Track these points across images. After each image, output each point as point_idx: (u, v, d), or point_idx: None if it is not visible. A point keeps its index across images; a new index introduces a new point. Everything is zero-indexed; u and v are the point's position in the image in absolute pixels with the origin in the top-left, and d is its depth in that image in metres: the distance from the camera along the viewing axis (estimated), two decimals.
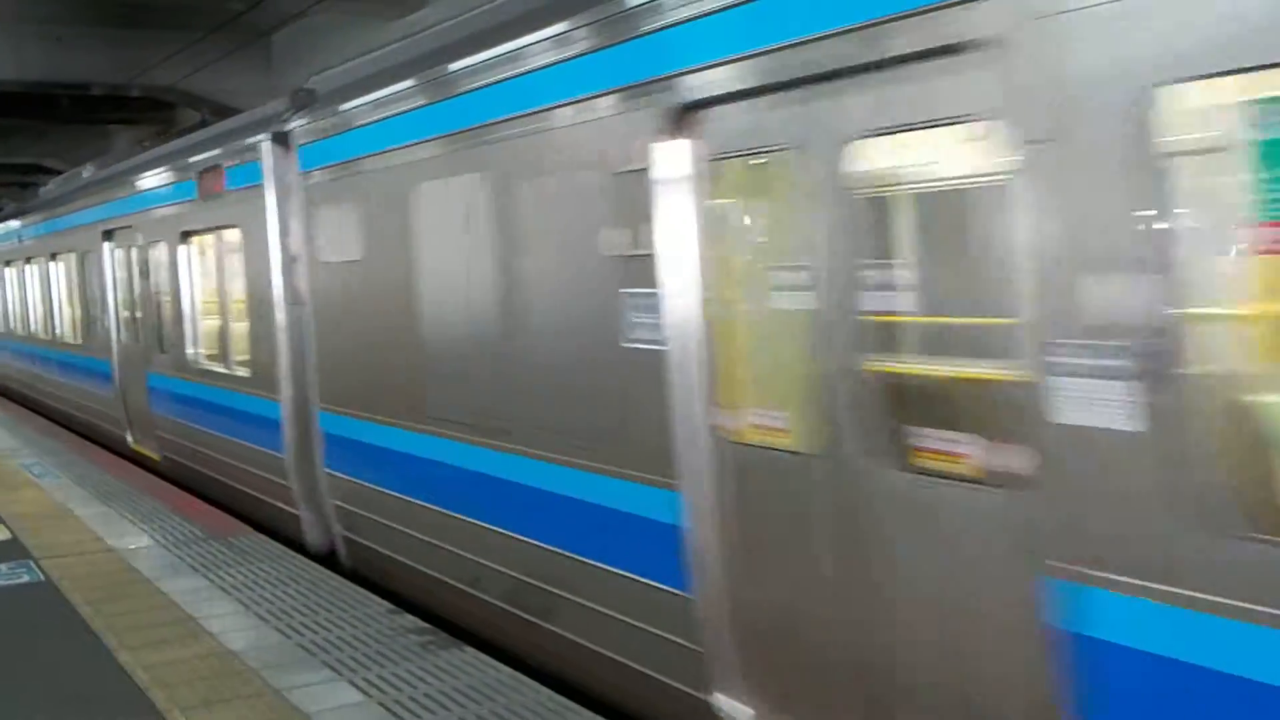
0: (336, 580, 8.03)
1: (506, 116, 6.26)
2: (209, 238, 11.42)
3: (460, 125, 6.73)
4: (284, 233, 9.22)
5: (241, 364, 10.56)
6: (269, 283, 9.42)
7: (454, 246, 6.86)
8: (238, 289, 10.59)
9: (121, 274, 14.31)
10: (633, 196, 5.25)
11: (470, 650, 6.47)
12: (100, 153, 21.84)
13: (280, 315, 9.35)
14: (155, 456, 13.28)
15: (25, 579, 8.28)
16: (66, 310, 17.66)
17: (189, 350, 11.95)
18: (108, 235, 14.62)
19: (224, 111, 19.72)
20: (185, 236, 11.84)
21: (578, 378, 5.84)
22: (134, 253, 13.61)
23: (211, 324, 11.68)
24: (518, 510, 6.51)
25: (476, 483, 6.88)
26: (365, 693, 5.86)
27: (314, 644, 6.64)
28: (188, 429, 12.04)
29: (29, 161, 34.22)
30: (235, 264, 10.65)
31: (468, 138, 6.66)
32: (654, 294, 5.21)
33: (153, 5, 20.29)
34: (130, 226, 13.61)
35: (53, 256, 18.02)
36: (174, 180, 11.99)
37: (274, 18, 19.58)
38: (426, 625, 6.97)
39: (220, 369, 11.13)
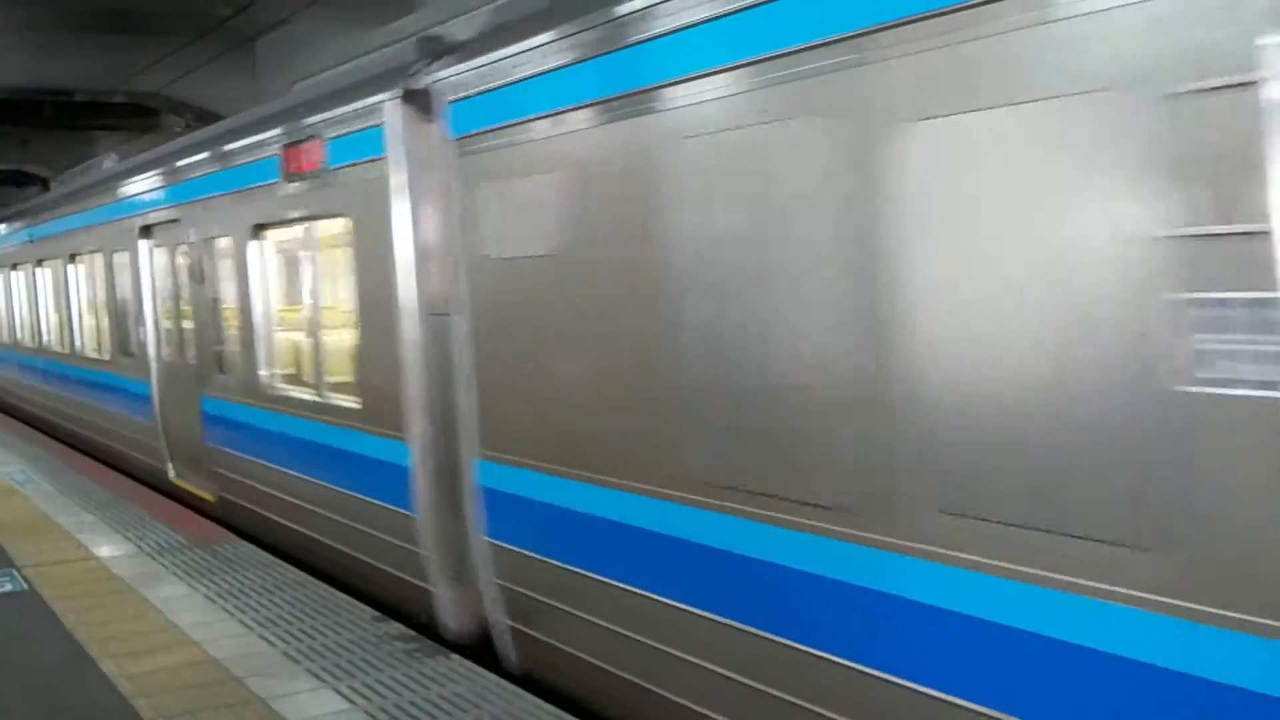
0: (321, 588, 8.01)
1: (912, 16, 3.86)
2: (295, 230, 8.93)
3: (782, 44, 4.40)
4: (418, 220, 6.97)
5: (343, 390, 8.27)
6: (392, 286, 7.15)
7: (754, 230, 4.58)
8: (339, 294, 8.46)
9: (164, 277, 11.95)
10: (1213, 132, 3.11)
11: (455, 658, 6.45)
12: (84, 159, 21.77)
13: (410, 329, 7.06)
14: (208, 496, 11.06)
15: (8, 588, 8.24)
16: (88, 320, 15.28)
17: (262, 371, 9.56)
18: (145, 232, 12.24)
19: (208, 118, 19.68)
20: (259, 230, 9.42)
21: (1053, 433, 3.55)
22: (182, 251, 11.25)
23: (296, 339, 9.37)
24: (868, 632, 4.25)
25: (769, 579, 4.66)
26: (350, 700, 5.85)
27: (299, 652, 6.62)
28: (259, 468, 9.70)
29: (11, 168, 34.13)
30: (336, 262, 8.46)
31: (800, 61, 4.32)
32: (1272, 301, 3.04)
33: (136, 11, 20.21)
34: (178, 220, 11.20)
35: (71, 258, 15.62)
36: (244, 160, 9.49)
37: (258, 24, 19.55)
38: (411, 632, 6.95)
39: (309, 396, 8.80)
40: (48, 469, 13.72)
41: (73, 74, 22.26)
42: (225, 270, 10.22)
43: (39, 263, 17.59)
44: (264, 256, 9.55)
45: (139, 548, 9.37)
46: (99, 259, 14.21)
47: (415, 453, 7.12)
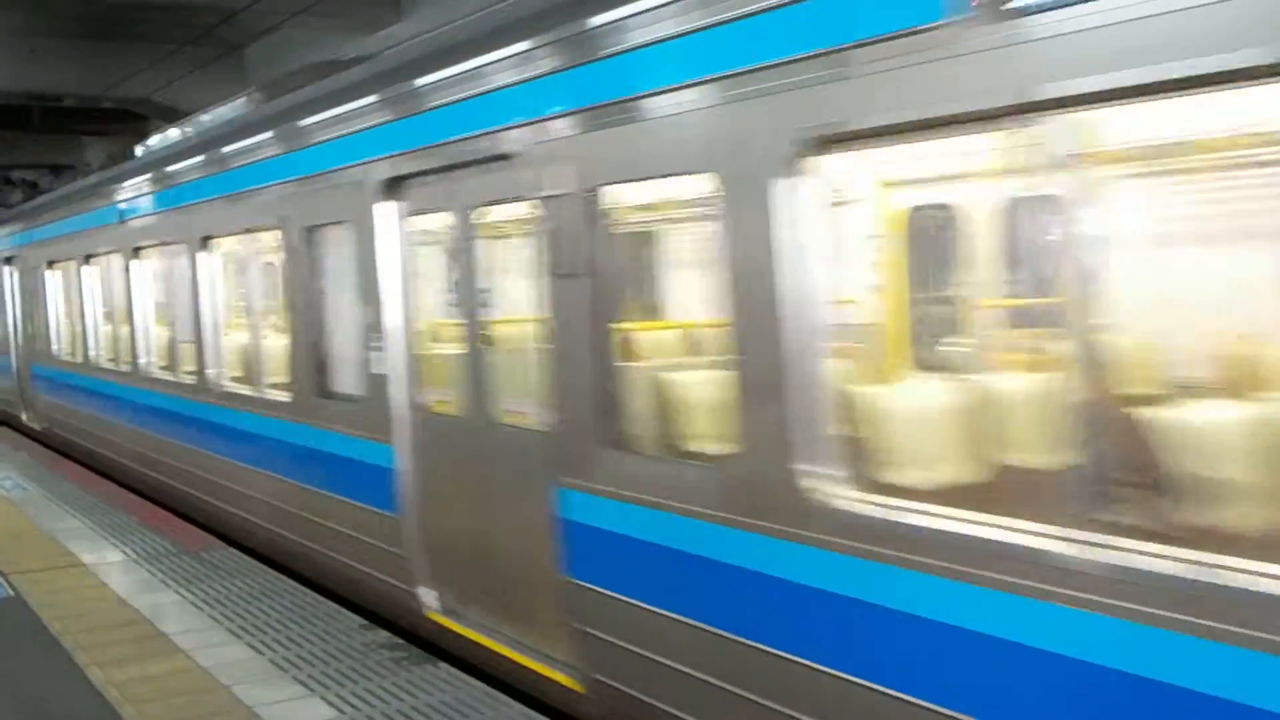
0: (309, 595, 8.01)
1: None
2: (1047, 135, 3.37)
3: None
4: None
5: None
6: None
7: None
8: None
9: (435, 272, 7.38)
10: None
11: (443, 666, 6.46)
12: (70, 164, 21.75)
13: None
14: (561, 679, 5.77)
15: None
16: (236, 338, 10.38)
17: (807, 464, 4.24)
18: (392, 189, 7.04)
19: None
20: (827, 146, 4.10)
21: None
22: (512, 219, 6.33)
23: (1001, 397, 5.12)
24: None
25: None
26: (338, 709, 5.85)
27: (286, 660, 6.61)
28: (798, 677, 4.35)
29: None
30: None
31: None
32: None
33: (125, 18, 20.26)
34: (508, 158, 5.85)
35: (203, 243, 10.40)
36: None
37: (247, 31, 19.60)
38: (399, 640, 6.96)
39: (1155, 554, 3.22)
40: (34, 476, 13.67)
41: (62, 79, 22.29)
42: (674, 248, 5.69)
43: (136, 252, 12.40)
44: (838, 213, 4.81)
45: (126, 554, 9.35)
46: (269, 240, 9.17)
47: None
